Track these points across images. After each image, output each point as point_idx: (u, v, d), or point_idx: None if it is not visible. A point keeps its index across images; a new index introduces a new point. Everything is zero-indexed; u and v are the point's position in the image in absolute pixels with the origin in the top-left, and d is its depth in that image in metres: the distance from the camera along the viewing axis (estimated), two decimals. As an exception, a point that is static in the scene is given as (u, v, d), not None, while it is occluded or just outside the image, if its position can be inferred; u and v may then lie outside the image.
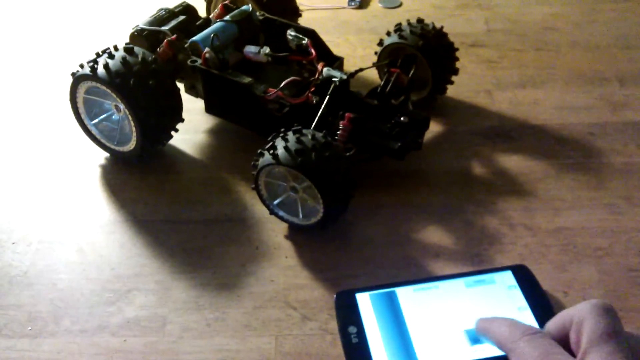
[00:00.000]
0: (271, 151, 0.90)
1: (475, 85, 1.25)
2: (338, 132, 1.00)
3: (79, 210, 1.03)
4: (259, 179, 0.93)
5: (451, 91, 1.19)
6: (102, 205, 1.03)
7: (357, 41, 1.42)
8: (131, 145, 1.07)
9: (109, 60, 1.02)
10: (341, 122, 1.01)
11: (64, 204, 1.04)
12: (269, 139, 0.93)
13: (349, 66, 1.18)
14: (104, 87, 1.02)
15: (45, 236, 0.98)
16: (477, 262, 0.90)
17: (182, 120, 1.10)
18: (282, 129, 0.93)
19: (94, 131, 1.11)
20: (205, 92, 1.12)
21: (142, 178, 1.08)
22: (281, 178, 0.93)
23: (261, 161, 0.91)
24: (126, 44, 1.07)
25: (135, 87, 1.00)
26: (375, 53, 1.19)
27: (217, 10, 1.22)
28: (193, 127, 1.18)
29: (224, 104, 1.12)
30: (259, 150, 0.92)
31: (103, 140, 1.11)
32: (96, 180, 1.08)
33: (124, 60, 1.02)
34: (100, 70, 1.01)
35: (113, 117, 1.10)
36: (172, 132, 1.10)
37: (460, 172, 1.06)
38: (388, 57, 1.18)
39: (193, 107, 1.17)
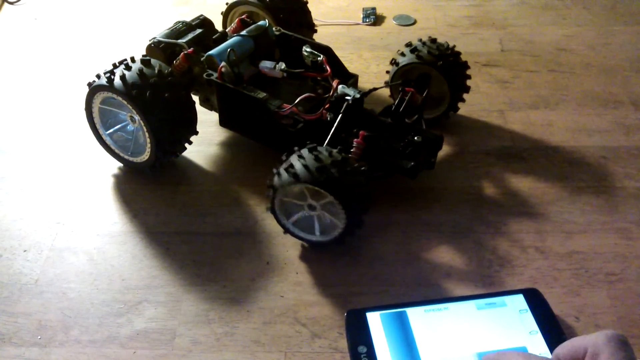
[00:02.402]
0: (290, 170, 0.90)
1: (488, 105, 1.26)
2: (352, 150, 1.00)
3: (91, 219, 1.03)
4: (275, 200, 0.93)
5: (464, 110, 1.20)
6: (115, 215, 1.04)
7: (371, 58, 1.42)
8: (145, 156, 1.07)
9: (126, 72, 1.03)
10: (355, 139, 1.01)
11: (76, 212, 1.04)
12: (283, 157, 0.93)
13: (363, 83, 1.18)
14: (119, 98, 1.03)
15: (56, 244, 0.98)
16: (488, 284, 0.89)
17: (197, 132, 1.10)
18: (296, 147, 0.93)
19: (108, 141, 1.11)
20: (219, 106, 1.13)
21: (154, 188, 1.09)
22: (297, 196, 0.93)
23: (277, 181, 0.91)
24: (143, 55, 1.08)
25: (151, 99, 1.01)
26: (387, 72, 1.19)
27: (233, 25, 1.23)
28: (207, 139, 1.18)
29: (238, 118, 1.13)
30: (273, 170, 0.92)
31: (117, 151, 1.12)
32: (109, 190, 1.09)
33: (140, 72, 1.02)
34: (117, 81, 1.02)
35: (128, 127, 1.11)
36: (186, 144, 1.11)
37: (471, 191, 1.06)
38: (402, 76, 1.19)
39: (207, 119, 1.18)
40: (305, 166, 0.89)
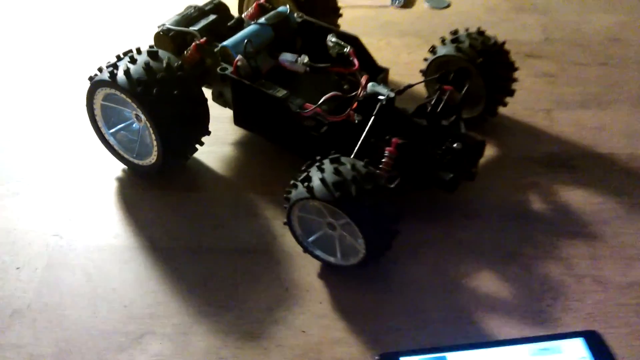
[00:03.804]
0: (305, 183, 0.79)
1: (532, 103, 1.13)
2: (382, 160, 0.89)
3: (92, 231, 0.93)
4: (292, 214, 0.83)
5: (506, 108, 1.07)
6: (117, 226, 0.93)
7: (401, 45, 1.29)
8: (152, 158, 0.96)
9: (131, 65, 0.91)
10: (387, 148, 0.89)
11: (75, 222, 0.94)
12: (303, 168, 0.82)
13: (393, 75, 1.06)
14: (123, 95, 0.91)
15: (52, 261, 0.88)
16: (539, 322, 0.78)
17: (209, 133, 0.99)
18: (318, 157, 0.82)
19: (111, 141, 1.00)
20: (234, 103, 1.01)
21: (161, 195, 0.98)
22: (317, 213, 0.83)
23: (294, 194, 0.80)
24: (150, 46, 0.96)
25: (158, 96, 0.90)
26: (425, 59, 1.07)
27: (250, 10, 1.11)
28: (220, 138, 1.07)
29: (255, 118, 1.01)
30: (291, 181, 0.81)
31: (121, 152, 1.01)
32: (112, 196, 0.98)
33: (147, 66, 0.91)
34: (121, 76, 0.90)
35: (133, 126, 1.00)
36: (197, 145, 1.00)
37: (515, 206, 0.95)
38: (438, 69, 1.06)
39: (220, 115, 1.06)
40: (323, 180, 0.77)
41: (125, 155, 1.00)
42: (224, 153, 1.05)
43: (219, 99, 1.05)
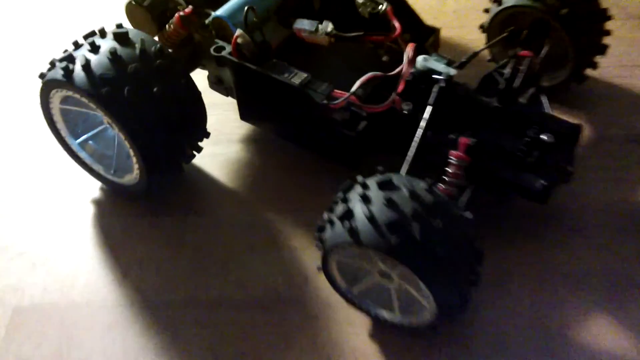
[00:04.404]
0: (346, 222, 0.54)
1: (630, 58, 0.86)
2: (448, 171, 0.64)
3: (60, 283, 0.71)
4: (329, 260, 0.59)
5: (595, 70, 0.81)
6: (96, 271, 0.72)
7: (446, -13, 1.02)
8: (134, 176, 0.73)
9: (92, 56, 0.67)
10: (452, 152, 0.64)
11: (40, 267, 0.73)
12: (339, 195, 0.58)
13: (439, 27, 0.80)
14: (85, 99, 0.67)
15: (11, 331, 0.66)
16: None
17: (207, 134, 0.75)
18: (360, 179, 0.58)
19: (80, 154, 0.77)
20: (238, 94, 0.76)
21: (152, 222, 0.76)
22: (362, 257, 0.59)
23: (330, 235, 0.57)
24: (118, 26, 0.70)
25: (131, 98, 0.65)
26: (486, 10, 0.81)
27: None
28: (224, 134, 0.84)
29: (266, 112, 0.77)
30: (325, 215, 0.58)
31: (95, 167, 0.77)
32: (87, 227, 0.76)
33: (113, 56, 0.66)
34: (78, 73, 0.66)
35: (107, 133, 0.76)
36: (194, 152, 0.75)
37: (625, 208, 0.73)
38: (504, 24, 0.81)
39: (224, 101, 0.81)
40: (372, 219, 0.54)
41: (101, 172, 0.77)
42: (230, 156, 0.82)
43: (218, 85, 0.80)
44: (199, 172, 0.80)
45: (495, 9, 0.80)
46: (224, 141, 0.83)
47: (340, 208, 0.58)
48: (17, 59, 0.99)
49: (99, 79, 0.65)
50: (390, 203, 0.55)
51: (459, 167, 0.64)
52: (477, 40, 0.87)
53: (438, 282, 0.55)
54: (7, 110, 0.91)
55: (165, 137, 0.69)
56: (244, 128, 0.84)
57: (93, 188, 0.79)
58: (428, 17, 0.92)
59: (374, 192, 0.56)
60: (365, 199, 0.56)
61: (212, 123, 0.74)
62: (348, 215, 0.56)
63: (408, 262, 0.54)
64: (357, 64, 0.76)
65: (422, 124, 0.65)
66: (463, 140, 0.64)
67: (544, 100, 0.74)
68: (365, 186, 0.58)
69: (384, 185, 0.57)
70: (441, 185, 0.64)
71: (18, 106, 0.91)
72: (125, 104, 0.66)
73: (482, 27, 0.83)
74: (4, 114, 0.91)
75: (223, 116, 0.84)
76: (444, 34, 0.84)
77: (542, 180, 0.65)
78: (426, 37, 0.78)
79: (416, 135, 0.65)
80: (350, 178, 0.60)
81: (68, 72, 0.66)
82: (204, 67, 0.81)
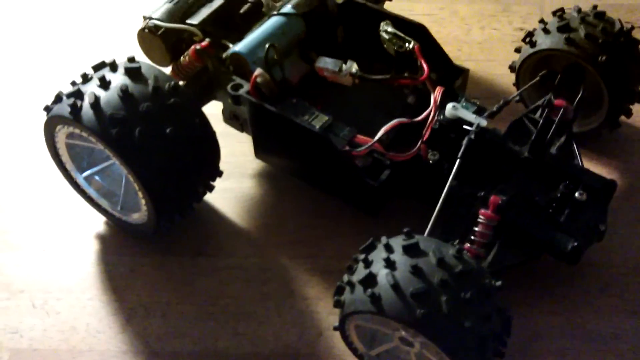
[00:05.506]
0: (368, 290, 0.51)
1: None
2: (476, 230, 0.60)
3: (61, 327, 0.68)
4: (347, 323, 0.56)
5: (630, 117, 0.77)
6: (98, 315, 0.68)
7: (471, 15, 0.98)
8: (142, 214, 0.69)
9: (101, 92, 0.63)
10: (482, 211, 0.60)
11: (38, 310, 0.69)
12: (360, 253, 0.55)
13: (465, 59, 0.78)
14: (92, 138, 0.63)
15: (9, 380, 0.63)
16: None
17: (220, 173, 0.71)
18: (384, 239, 0.55)
19: (86, 189, 0.73)
20: (254, 132, 0.72)
21: (159, 263, 0.73)
22: (382, 322, 0.56)
23: (349, 300, 0.54)
24: (129, 59, 0.66)
25: (142, 140, 0.61)
26: (517, 50, 0.78)
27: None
28: (238, 167, 0.80)
29: (283, 153, 0.73)
30: (345, 277, 0.55)
31: (101, 203, 0.73)
32: (89, 266, 0.73)
33: (125, 93, 0.62)
34: (87, 111, 0.62)
35: (114, 168, 0.72)
36: (206, 190, 0.72)
37: None
38: (536, 66, 0.76)
39: (236, 132, 0.77)
40: (396, 287, 0.51)
41: (108, 208, 0.73)
42: (242, 192, 0.78)
43: (233, 121, 0.76)
44: (209, 209, 0.76)
45: (527, 50, 0.75)
46: (236, 175, 0.79)
47: (361, 271, 0.54)
48: (24, 84, 0.93)
49: (109, 118, 0.61)
50: (416, 271, 0.51)
51: (488, 228, 0.60)
52: (504, 75, 0.83)
53: (463, 356, 0.51)
54: (8, 138, 0.87)
55: (177, 180, 0.66)
56: (257, 161, 0.80)
57: (97, 222, 0.75)
58: (452, 49, 0.88)
59: (399, 257, 0.53)
60: (390, 264, 0.53)
61: (224, 155, 0.70)
62: (370, 280, 0.53)
63: (433, 336, 0.51)
64: (381, 102, 0.73)
65: (451, 180, 0.61)
66: (494, 199, 0.60)
67: (576, 151, 0.70)
68: (389, 248, 0.54)
69: (409, 250, 0.53)
70: (468, 245, 0.60)
71: (20, 134, 0.86)
72: (136, 147, 0.62)
73: (512, 67, 0.79)
74: (6, 140, 0.86)
75: (236, 148, 0.80)
76: (469, 66, 0.81)
77: (574, 240, 0.62)
78: (454, 76, 0.74)
79: (444, 192, 0.61)
80: (372, 237, 0.56)
81: (76, 109, 0.62)
82: (217, 99, 0.78)
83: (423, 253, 0.53)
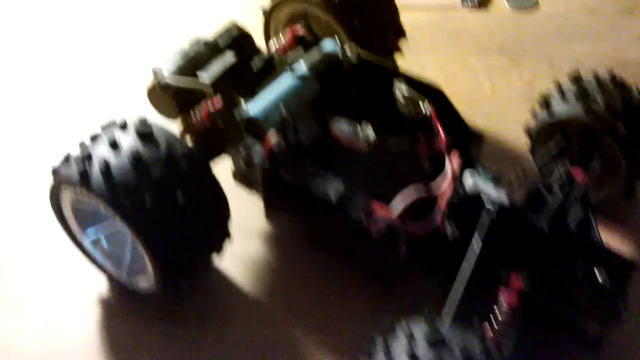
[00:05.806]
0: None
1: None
2: (499, 318, 0.58)
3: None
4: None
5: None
6: None
7: (481, 67, 0.97)
8: (148, 279, 0.67)
9: (111, 158, 0.61)
10: (504, 294, 0.59)
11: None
12: (378, 336, 0.54)
13: (474, 114, 0.75)
14: (101, 205, 0.61)
15: None
16: None
17: (229, 235, 0.68)
18: (404, 325, 0.54)
19: (92, 252, 0.71)
20: (266, 195, 0.70)
21: (165, 330, 0.71)
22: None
23: None
24: (140, 121, 0.64)
25: (153, 209, 0.59)
26: (534, 116, 0.77)
27: (282, 39, 0.77)
28: (246, 227, 0.78)
29: (295, 217, 0.71)
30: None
31: (106, 266, 0.71)
32: (92, 332, 0.70)
33: (136, 160, 0.60)
34: (97, 178, 0.60)
35: (121, 232, 0.69)
36: (215, 254, 0.69)
37: None
38: (550, 133, 0.75)
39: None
40: None
41: (112, 272, 0.71)
42: (251, 255, 0.76)
43: (242, 181, 0.74)
44: (217, 273, 0.74)
45: (544, 117, 0.74)
46: (245, 236, 0.76)
47: (380, 354, 0.52)
48: (29, 135, 0.91)
49: (120, 186, 0.59)
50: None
51: (512, 317, 0.59)
52: (517, 138, 0.82)
53: None
54: (10, 194, 0.84)
55: (186, 248, 0.63)
56: (265, 221, 0.78)
57: (100, 284, 0.73)
58: (461, 102, 0.87)
59: (422, 350, 0.51)
60: (410, 348, 0.51)
61: (232, 214, 0.68)
62: (388, 362, 0.51)
63: None
64: (396, 166, 0.71)
65: (471, 259, 0.60)
66: (516, 282, 0.59)
67: (594, 224, 0.69)
68: (411, 338, 0.52)
69: (433, 341, 0.51)
70: (490, 334, 0.58)
71: (23, 191, 0.84)
72: (147, 216, 0.59)
73: (528, 132, 0.77)
74: (8, 196, 0.84)
75: (245, 207, 0.76)
76: (480, 123, 0.79)
77: (597, 328, 0.60)
78: (468, 142, 0.72)
79: (466, 272, 0.59)
80: (390, 315, 0.54)
81: (84, 174, 0.60)
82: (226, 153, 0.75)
83: (447, 345, 0.51)
